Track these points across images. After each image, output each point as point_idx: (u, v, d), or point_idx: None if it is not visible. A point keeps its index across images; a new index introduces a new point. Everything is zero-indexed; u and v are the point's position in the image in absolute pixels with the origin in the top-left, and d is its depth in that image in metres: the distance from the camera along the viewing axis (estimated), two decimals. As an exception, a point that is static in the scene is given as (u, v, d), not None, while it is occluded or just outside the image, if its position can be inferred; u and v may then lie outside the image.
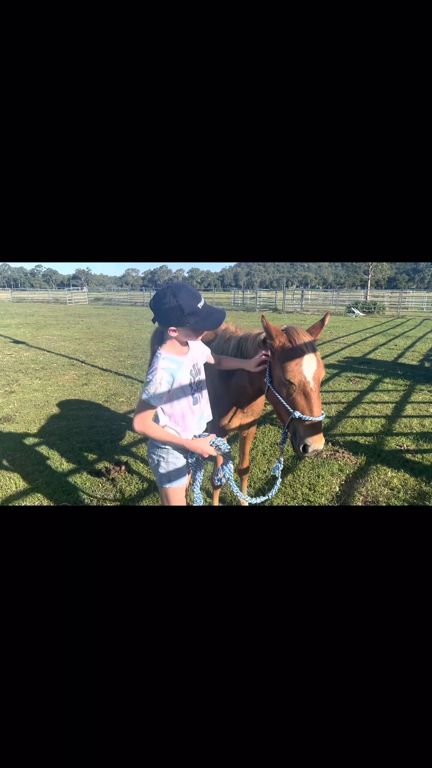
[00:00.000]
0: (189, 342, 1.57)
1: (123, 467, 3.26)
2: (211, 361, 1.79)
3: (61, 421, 4.40)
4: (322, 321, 1.67)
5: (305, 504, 2.79)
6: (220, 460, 1.71)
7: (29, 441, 3.85)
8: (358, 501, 2.84)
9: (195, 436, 1.57)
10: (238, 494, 1.65)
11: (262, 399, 2.22)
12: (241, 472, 2.63)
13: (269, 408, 4.76)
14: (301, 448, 1.52)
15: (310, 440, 1.50)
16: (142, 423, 1.44)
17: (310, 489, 2.96)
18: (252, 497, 1.75)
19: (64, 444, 3.75)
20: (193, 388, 1.55)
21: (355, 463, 3.39)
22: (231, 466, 1.62)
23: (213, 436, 1.56)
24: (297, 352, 1.53)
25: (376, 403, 5.08)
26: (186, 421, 1.54)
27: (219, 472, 1.65)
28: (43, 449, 3.64)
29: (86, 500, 2.83)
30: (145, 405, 1.44)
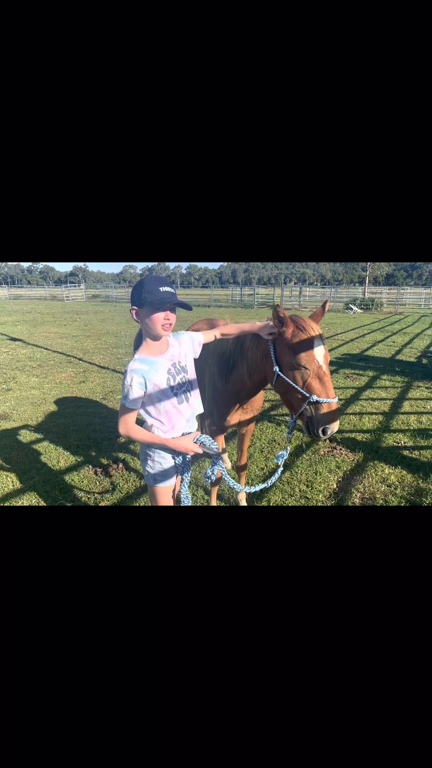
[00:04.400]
0: (170, 340, 1.57)
1: (121, 464, 3.25)
2: (209, 338, 1.75)
3: (59, 418, 4.39)
4: (323, 307, 1.75)
5: (303, 500, 2.79)
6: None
7: (26, 438, 3.84)
8: (356, 498, 2.84)
9: (183, 434, 1.56)
10: (234, 486, 1.63)
11: (261, 395, 2.22)
12: (238, 469, 2.63)
13: (267, 405, 4.76)
14: (320, 432, 1.56)
15: (328, 422, 1.56)
16: (124, 426, 1.48)
17: (307, 486, 2.96)
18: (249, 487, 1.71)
19: (62, 441, 3.74)
20: (175, 387, 1.53)
21: (353, 460, 3.39)
22: (225, 459, 1.59)
23: (197, 433, 1.54)
24: (308, 338, 1.61)
25: (373, 399, 5.09)
26: (172, 421, 1.54)
27: (209, 469, 1.63)
28: (41, 447, 3.63)
29: (83, 498, 2.83)
30: (123, 408, 1.47)
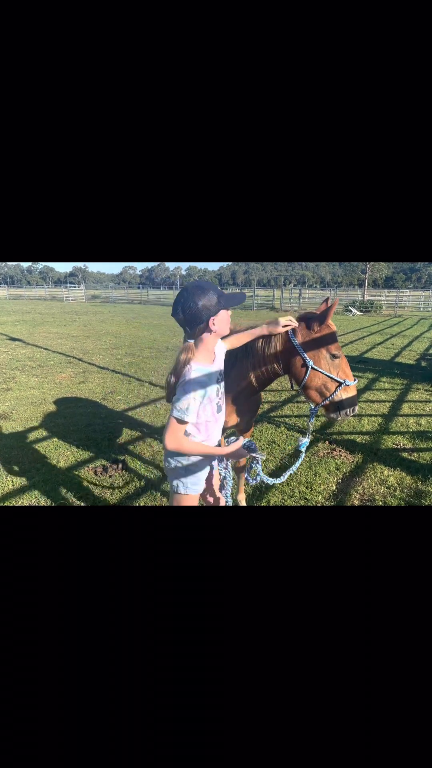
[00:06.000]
0: (216, 349, 1.52)
1: (120, 465, 3.25)
2: (234, 345, 1.72)
3: (59, 418, 4.39)
4: (328, 304, 1.86)
5: (302, 502, 2.80)
6: (243, 460, 1.80)
7: (26, 439, 3.84)
8: (355, 499, 2.85)
9: (219, 443, 1.57)
10: (267, 480, 1.79)
11: (259, 396, 2.22)
12: (238, 470, 2.63)
13: (267, 406, 4.77)
14: (351, 411, 1.78)
15: (356, 402, 1.80)
16: (176, 440, 1.38)
17: (307, 488, 2.97)
18: (274, 477, 1.89)
19: (61, 442, 3.74)
20: (219, 396, 1.51)
21: (352, 462, 3.40)
22: (262, 458, 1.66)
23: (242, 439, 1.52)
24: (334, 330, 1.80)
25: (372, 401, 5.10)
26: (209, 429, 1.50)
27: (249, 469, 1.74)
28: (40, 447, 3.63)
29: (83, 498, 2.82)
30: (178, 421, 1.37)
